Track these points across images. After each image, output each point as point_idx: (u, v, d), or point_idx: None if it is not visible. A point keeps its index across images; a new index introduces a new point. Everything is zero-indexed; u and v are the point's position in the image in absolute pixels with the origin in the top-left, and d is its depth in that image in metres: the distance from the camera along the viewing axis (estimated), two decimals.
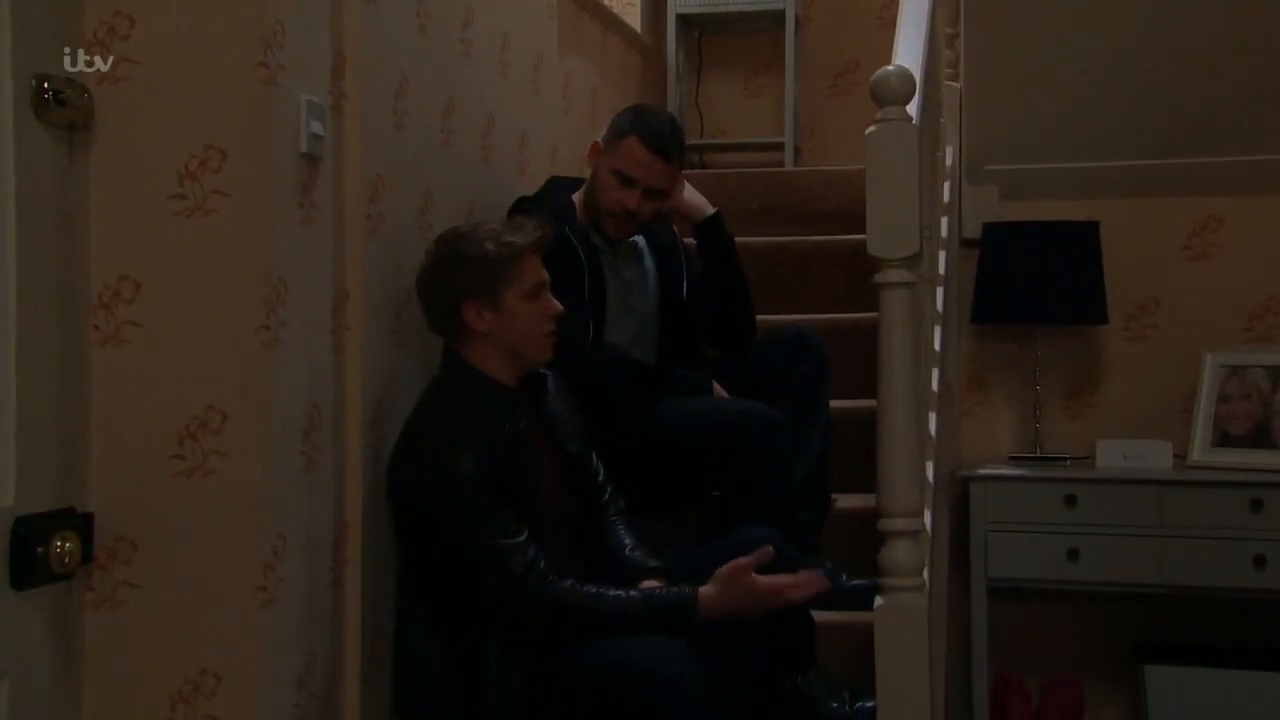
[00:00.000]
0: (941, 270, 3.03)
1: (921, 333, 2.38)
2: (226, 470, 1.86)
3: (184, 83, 1.86)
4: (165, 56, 1.86)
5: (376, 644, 2.22)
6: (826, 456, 2.77)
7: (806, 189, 3.95)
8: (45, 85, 1.74)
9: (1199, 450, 3.46)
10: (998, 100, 3.69)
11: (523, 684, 2.12)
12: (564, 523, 2.30)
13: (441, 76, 2.58)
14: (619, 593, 2.15)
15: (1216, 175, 3.65)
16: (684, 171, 2.82)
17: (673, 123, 2.78)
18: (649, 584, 2.25)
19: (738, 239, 2.88)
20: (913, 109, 2.06)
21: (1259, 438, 3.42)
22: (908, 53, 2.46)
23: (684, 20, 4.55)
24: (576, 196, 2.80)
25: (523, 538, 2.11)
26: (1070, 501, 3.36)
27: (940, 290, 2.96)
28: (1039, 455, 3.58)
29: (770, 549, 2.17)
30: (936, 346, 2.79)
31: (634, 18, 4.34)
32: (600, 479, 2.42)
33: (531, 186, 2.94)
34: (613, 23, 4.03)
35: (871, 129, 1.99)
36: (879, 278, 2.00)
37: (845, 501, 2.83)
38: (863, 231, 1.98)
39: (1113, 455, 3.45)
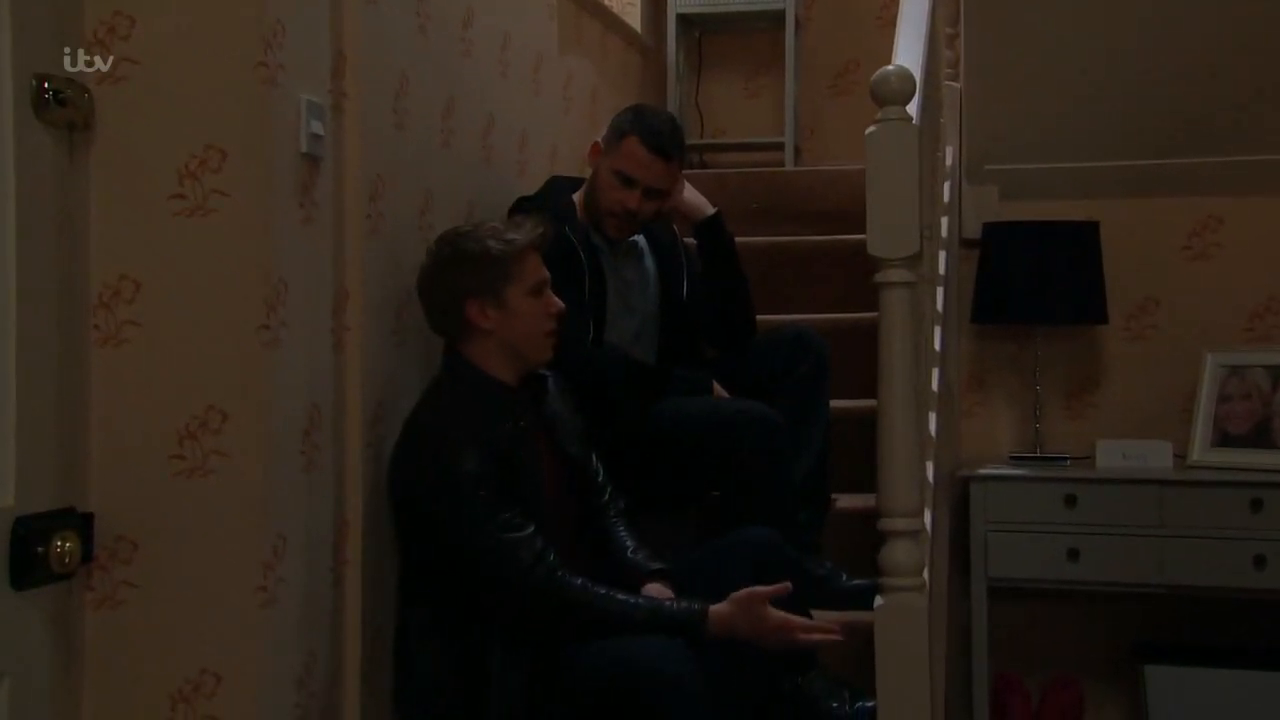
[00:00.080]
0: (941, 270, 3.03)
1: (921, 333, 2.37)
2: (226, 470, 1.86)
3: (184, 83, 1.86)
4: (165, 56, 1.86)
5: (376, 644, 2.22)
6: (826, 456, 2.77)
7: (806, 189, 3.94)
8: (45, 85, 1.74)
9: (1199, 450, 3.46)
10: (998, 100, 3.69)
11: (523, 684, 2.12)
12: (564, 524, 2.30)
13: (441, 76, 2.58)
14: (627, 598, 2.15)
15: (1216, 175, 3.65)
16: (684, 171, 2.82)
17: (673, 123, 2.79)
18: (652, 587, 2.26)
19: (738, 239, 2.89)
20: (913, 109, 2.05)
21: (1259, 438, 3.41)
22: (908, 53, 2.46)
23: (684, 20, 4.55)
24: (577, 196, 2.81)
25: (530, 530, 2.11)
26: (1070, 501, 3.36)
27: (940, 290, 2.96)
28: (1039, 455, 3.58)
29: (789, 585, 2.15)
30: (936, 346, 2.79)
31: (634, 18, 4.34)
32: (600, 480, 2.42)
33: (531, 186, 2.94)
34: (613, 23, 4.03)
35: (871, 129, 1.99)
36: (879, 278, 1.99)
37: (845, 501, 2.83)
38: (863, 231, 1.98)
39: (1113, 455, 3.45)
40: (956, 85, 3.69)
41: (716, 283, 2.85)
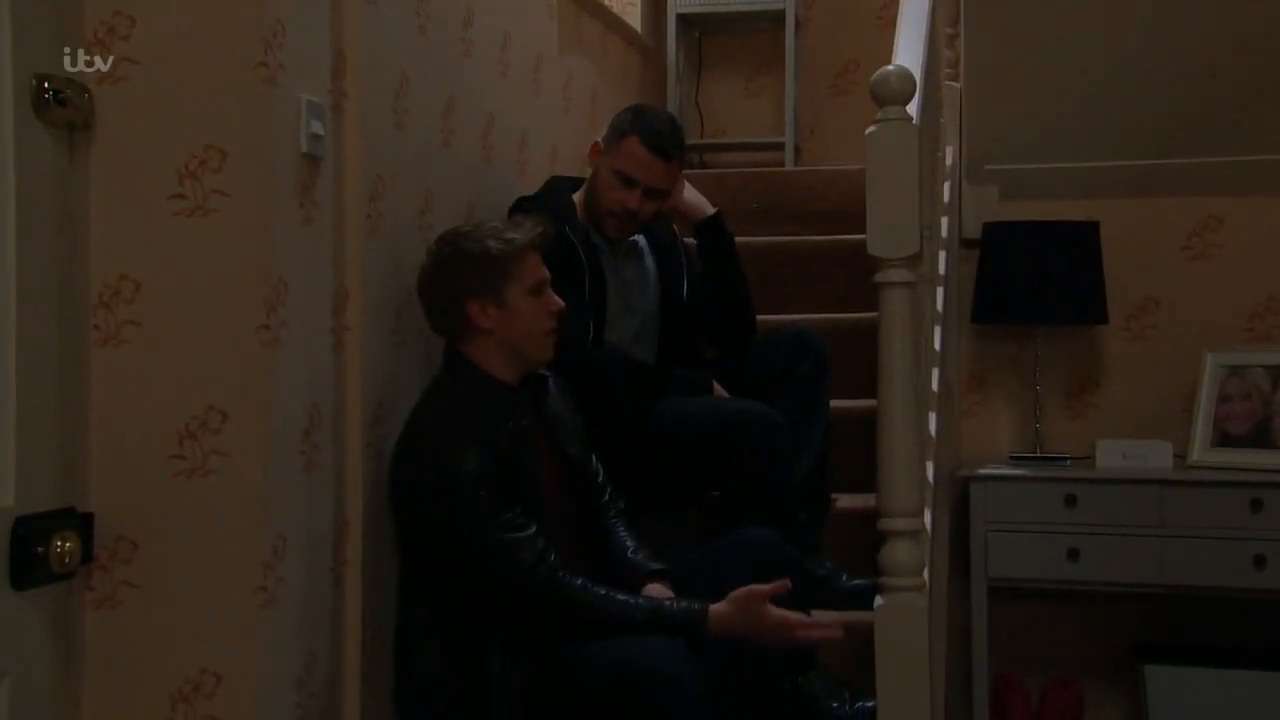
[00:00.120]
0: (941, 270, 3.03)
1: (921, 333, 2.37)
2: (226, 470, 1.86)
3: (184, 83, 1.86)
4: (165, 56, 1.86)
5: (376, 644, 2.22)
6: (826, 456, 2.77)
7: (806, 189, 3.94)
8: (45, 85, 1.74)
9: (1199, 450, 3.46)
10: (998, 100, 3.69)
11: (523, 684, 2.12)
12: (564, 524, 2.30)
13: (441, 76, 2.58)
14: (627, 598, 2.15)
15: (1216, 175, 3.64)
16: (684, 171, 2.82)
17: (673, 123, 2.79)
18: (653, 587, 2.26)
19: (738, 239, 2.89)
20: (913, 109, 2.05)
21: (1259, 438, 3.41)
22: (908, 53, 2.46)
23: (684, 20, 4.55)
24: (577, 196, 2.81)
25: (532, 530, 2.11)
26: (1070, 501, 3.36)
27: (940, 290, 2.96)
28: (1039, 455, 3.58)
29: (788, 583, 2.15)
30: (936, 346, 2.79)
31: (634, 18, 4.34)
32: (600, 480, 2.42)
33: (531, 186, 2.94)
34: (613, 23, 4.03)
35: (871, 129, 1.99)
36: (879, 278, 1.99)
37: (845, 501, 2.83)
38: (863, 231, 1.98)
39: (1113, 455, 3.45)
40: (956, 85, 3.69)
41: (716, 283, 2.85)
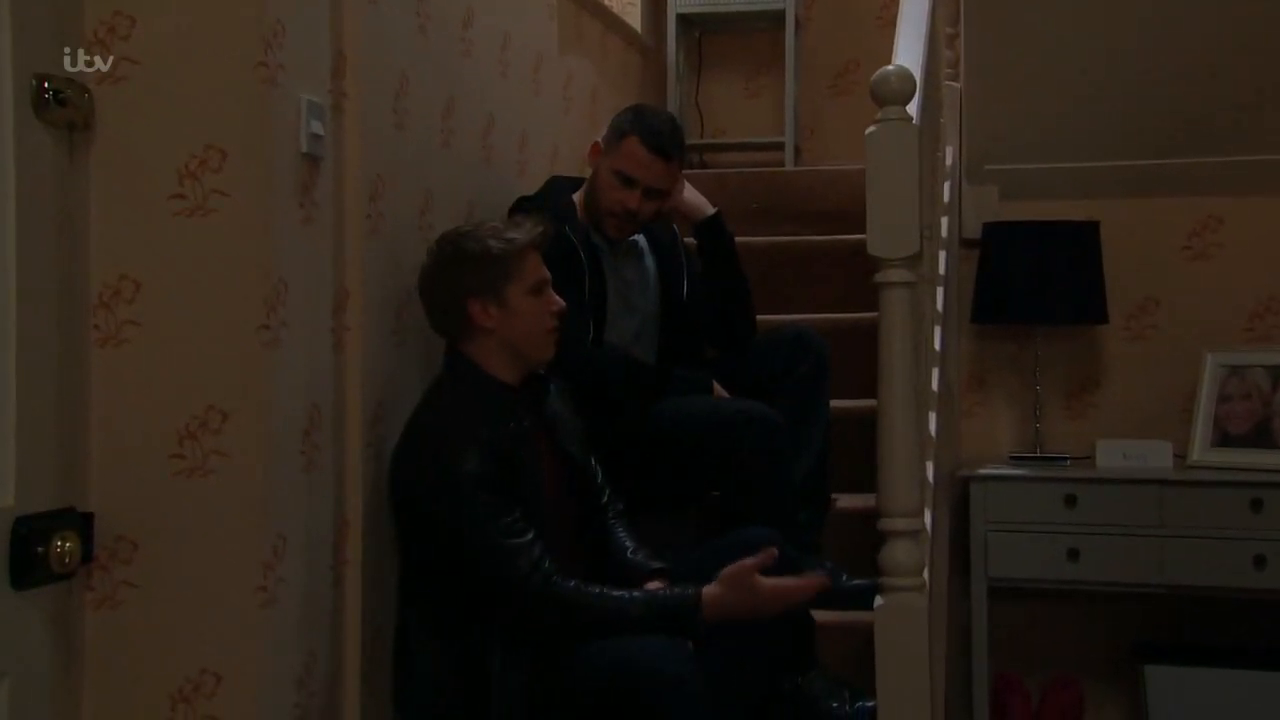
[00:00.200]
0: (941, 270, 3.03)
1: (921, 333, 2.38)
2: (226, 470, 1.86)
3: (184, 83, 1.86)
4: (165, 56, 1.86)
5: (376, 644, 2.22)
6: (826, 456, 2.77)
7: (806, 189, 3.94)
8: (45, 85, 1.74)
9: (1199, 450, 3.46)
10: (998, 100, 3.69)
11: (523, 684, 2.12)
12: (564, 524, 2.30)
13: (441, 76, 2.58)
14: (622, 593, 2.15)
15: (1216, 175, 3.64)
16: (684, 171, 2.82)
17: (673, 123, 2.79)
18: (653, 585, 2.25)
19: (738, 239, 2.89)
20: (913, 109, 2.05)
21: (1259, 437, 3.41)
22: (908, 53, 2.46)
23: (684, 20, 4.55)
24: (577, 196, 2.81)
25: (529, 537, 2.11)
26: (1070, 501, 3.36)
27: (940, 290, 2.96)
28: (1039, 455, 3.58)
29: (775, 551, 2.16)
30: (936, 346, 2.79)
31: (634, 18, 4.34)
32: (600, 481, 2.42)
33: (531, 186, 2.94)
34: (613, 23, 4.03)
35: (871, 129, 1.99)
36: (879, 277, 2.00)
37: (845, 501, 2.83)
38: (863, 231, 1.98)
39: (1113, 455, 3.45)
40: (956, 85, 3.69)
41: (716, 283, 2.85)
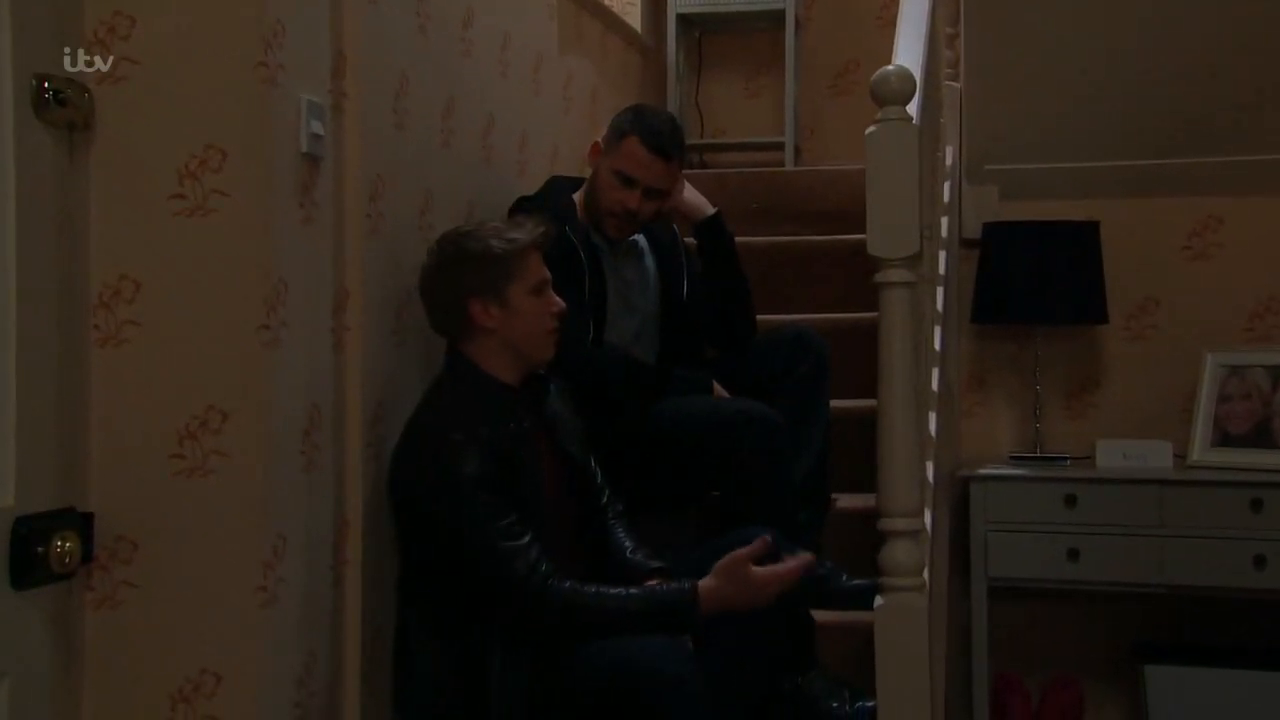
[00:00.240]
0: (941, 270, 3.03)
1: (921, 333, 2.37)
2: (226, 470, 1.86)
3: (184, 83, 1.86)
4: (165, 56, 1.86)
5: (376, 644, 2.22)
6: (826, 456, 2.77)
7: (806, 189, 3.95)
8: (45, 85, 1.74)
9: (1199, 450, 3.46)
10: (998, 100, 3.69)
11: (523, 684, 2.12)
12: (564, 524, 2.30)
13: (441, 76, 2.58)
14: (620, 591, 2.15)
15: (1216, 175, 3.64)
16: (684, 171, 2.82)
17: (673, 123, 2.79)
18: (650, 583, 2.25)
19: (738, 239, 2.89)
20: (913, 109, 2.05)
21: (1259, 437, 3.41)
22: (908, 53, 2.46)
23: (684, 20, 4.55)
24: (577, 196, 2.81)
25: (526, 539, 2.11)
26: (1070, 501, 3.36)
27: (940, 290, 2.96)
28: (1039, 455, 3.58)
29: (768, 539, 2.17)
30: (936, 346, 2.79)
31: (634, 18, 4.34)
32: (599, 481, 2.42)
33: (531, 186, 2.94)
34: (613, 23, 4.03)
35: (871, 129, 1.99)
36: (879, 277, 1.99)
37: (845, 501, 2.83)
38: (863, 231, 1.98)
39: (1113, 455, 3.45)
40: (956, 85, 3.69)
41: (716, 283, 2.85)
